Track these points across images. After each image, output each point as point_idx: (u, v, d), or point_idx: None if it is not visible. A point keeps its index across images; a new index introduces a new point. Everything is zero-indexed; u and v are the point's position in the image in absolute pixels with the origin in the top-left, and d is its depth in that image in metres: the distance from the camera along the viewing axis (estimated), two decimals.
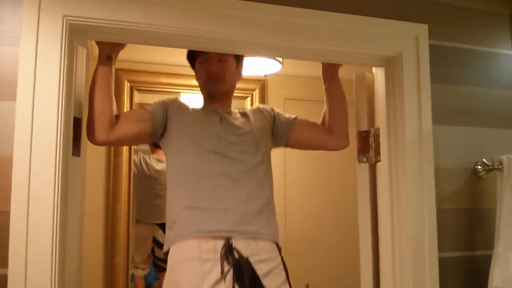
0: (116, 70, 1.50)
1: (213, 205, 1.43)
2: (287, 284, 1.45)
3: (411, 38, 1.48)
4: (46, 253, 1.10)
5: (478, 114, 1.57)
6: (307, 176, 3.07)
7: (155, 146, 2.64)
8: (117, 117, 1.45)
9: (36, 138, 1.12)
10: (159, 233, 2.79)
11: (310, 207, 3.05)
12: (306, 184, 3.07)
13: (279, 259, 1.47)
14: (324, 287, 2.84)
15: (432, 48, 1.50)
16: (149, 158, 2.87)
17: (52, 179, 1.12)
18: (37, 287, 1.08)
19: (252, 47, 1.42)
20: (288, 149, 1.76)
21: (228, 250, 1.36)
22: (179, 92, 2.84)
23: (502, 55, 1.63)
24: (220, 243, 1.37)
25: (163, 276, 1.48)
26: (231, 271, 1.34)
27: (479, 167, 1.54)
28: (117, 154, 2.66)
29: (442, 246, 1.44)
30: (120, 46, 1.44)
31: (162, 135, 1.55)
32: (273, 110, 1.70)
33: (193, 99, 2.68)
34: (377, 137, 1.56)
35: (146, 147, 2.87)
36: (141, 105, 2.81)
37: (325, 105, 1.68)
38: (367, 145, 1.59)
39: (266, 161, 1.58)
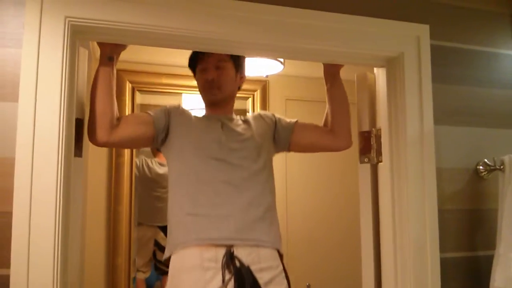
0: (118, 71, 1.51)
1: (215, 212, 1.43)
2: None
3: (412, 39, 1.49)
4: (48, 253, 1.10)
5: (480, 114, 1.57)
6: (308, 177, 3.07)
7: (158, 150, 2.64)
8: (119, 119, 1.45)
9: (38, 139, 1.12)
10: (160, 236, 2.79)
11: (312, 208, 3.05)
12: (308, 185, 3.07)
13: (281, 267, 1.47)
14: (325, 287, 2.84)
15: (433, 49, 1.50)
16: (151, 162, 2.88)
17: (54, 180, 1.12)
18: (39, 287, 1.08)
19: (253, 47, 1.42)
20: None
21: (230, 258, 1.36)
22: (181, 93, 2.85)
23: (503, 55, 1.63)
24: (222, 251, 1.37)
25: (165, 279, 1.48)
26: (233, 280, 1.34)
27: (481, 167, 1.54)
28: (119, 155, 2.66)
29: (443, 246, 1.44)
30: (121, 47, 1.44)
31: (164, 141, 1.55)
32: (274, 115, 1.70)
33: (195, 99, 2.69)
34: (378, 137, 1.56)
35: (148, 150, 2.87)
36: (143, 106, 2.82)
37: (327, 106, 1.68)
38: (369, 146, 1.59)
39: (268, 167, 1.58)
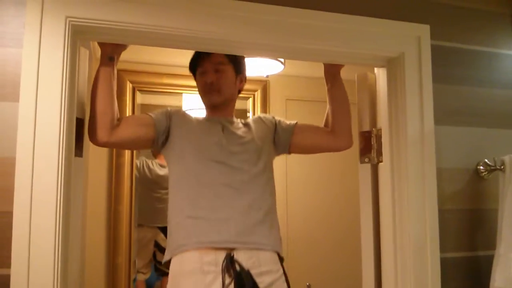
0: (118, 71, 1.51)
1: (215, 215, 1.43)
2: None
3: (413, 39, 1.49)
4: (49, 253, 1.10)
5: (480, 114, 1.57)
6: (308, 177, 3.07)
7: (158, 152, 2.64)
8: (120, 120, 1.46)
9: (39, 139, 1.12)
10: (160, 237, 2.79)
11: (312, 207, 3.05)
12: (308, 185, 3.07)
13: (281, 271, 1.47)
14: (325, 287, 2.84)
15: (434, 49, 1.50)
16: (152, 163, 2.88)
17: (54, 180, 1.12)
18: (40, 287, 1.08)
19: (254, 47, 1.42)
20: None
21: (230, 262, 1.37)
22: (181, 93, 2.85)
23: (503, 55, 1.63)
24: (222, 255, 1.38)
25: (165, 280, 1.48)
26: (233, 284, 1.34)
27: (481, 167, 1.54)
28: (119, 155, 2.66)
29: (444, 246, 1.44)
30: (122, 47, 1.45)
31: (164, 143, 1.55)
32: (274, 118, 1.70)
33: (195, 99, 2.69)
34: (379, 137, 1.56)
35: (148, 151, 2.87)
36: (143, 106, 2.82)
37: (328, 106, 1.68)
38: (369, 146, 1.60)
39: (268, 170, 1.59)
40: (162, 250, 2.73)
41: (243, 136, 1.58)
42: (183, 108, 2.88)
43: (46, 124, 1.13)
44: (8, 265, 1.08)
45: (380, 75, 1.58)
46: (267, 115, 1.73)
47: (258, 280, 1.38)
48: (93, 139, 1.39)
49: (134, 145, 1.63)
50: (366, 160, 1.60)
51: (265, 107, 2.99)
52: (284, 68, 2.46)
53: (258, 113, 2.95)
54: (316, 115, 1.74)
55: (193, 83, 1.69)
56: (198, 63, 1.61)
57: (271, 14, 1.34)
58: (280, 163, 1.72)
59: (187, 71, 1.69)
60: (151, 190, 2.85)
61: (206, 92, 1.60)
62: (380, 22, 1.45)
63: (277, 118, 1.71)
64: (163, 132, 1.53)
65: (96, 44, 1.59)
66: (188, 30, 1.28)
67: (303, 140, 1.67)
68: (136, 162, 2.77)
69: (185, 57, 1.67)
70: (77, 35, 1.22)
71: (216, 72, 1.58)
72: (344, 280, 2.79)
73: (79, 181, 1.29)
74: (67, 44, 1.17)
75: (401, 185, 1.45)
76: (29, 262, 1.08)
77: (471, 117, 1.56)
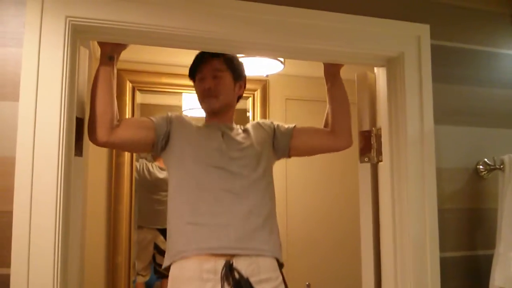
0: (118, 70, 1.51)
1: (214, 220, 1.44)
2: None
3: (412, 38, 1.49)
4: (49, 252, 1.10)
5: (480, 114, 1.58)
6: (308, 176, 3.07)
7: (158, 156, 2.64)
8: (121, 121, 1.46)
9: (39, 138, 1.12)
10: (160, 239, 2.79)
11: (312, 207, 3.06)
12: (308, 184, 3.07)
13: (280, 278, 1.48)
14: (325, 287, 2.84)
15: (433, 48, 1.50)
16: (152, 166, 2.88)
17: (54, 179, 1.12)
18: (40, 287, 1.09)
19: (254, 47, 1.42)
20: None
21: (229, 270, 1.37)
22: (181, 92, 2.85)
23: (503, 55, 1.63)
24: (221, 263, 1.38)
25: (165, 282, 1.48)
26: None
27: (481, 166, 1.54)
28: (119, 154, 2.66)
29: (443, 245, 1.44)
30: (122, 46, 1.45)
31: (163, 148, 1.55)
32: (272, 123, 1.71)
33: (195, 99, 2.68)
34: (379, 137, 1.56)
35: (148, 154, 2.87)
36: (143, 106, 2.82)
37: (327, 106, 1.68)
38: (369, 145, 1.60)
39: (268, 175, 1.59)
40: (161, 252, 2.74)
41: (242, 142, 1.58)
42: (183, 108, 2.88)
43: (46, 124, 1.13)
44: (8, 264, 1.08)
45: (380, 74, 1.58)
46: (266, 120, 1.74)
47: (257, 287, 1.38)
48: (93, 138, 1.39)
49: (134, 147, 1.63)
50: (366, 159, 1.60)
51: (264, 106, 2.99)
52: (284, 68, 2.46)
53: (258, 112, 2.95)
54: (316, 114, 1.74)
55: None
56: (197, 70, 1.63)
57: (271, 14, 1.34)
58: (279, 162, 1.72)
59: (187, 71, 1.70)
60: (151, 192, 2.85)
61: (204, 98, 1.62)
62: (380, 21, 1.45)
63: (276, 122, 1.71)
64: (163, 136, 1.54)
65: (96, 43, 1.59)
66: (188, 29, 1.28)
67: (302, 142, 1.67)
68: (136, 164, 2.76)
69: (185, 56, 1.67)
70: (77, 34, 1.22)
71: (214, 78, 1.59)
72: (344, 279, 2.79)
73: (79, 180, 1.29)
74: (67, 43, 1.17)
75: (401, 184, 1.45)
76: (29, 261, 1.08)
77: (471, 117, 1.56)
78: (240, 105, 1.79)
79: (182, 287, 1.39)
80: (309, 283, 2.52)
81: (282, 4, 1.35)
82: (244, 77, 1.71)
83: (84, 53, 1.35)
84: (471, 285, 1.50)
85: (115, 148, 2.54)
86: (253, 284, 1.38)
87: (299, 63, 2.34)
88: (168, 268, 1.47)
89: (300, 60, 1.67)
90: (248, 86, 1.78)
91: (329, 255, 3.03)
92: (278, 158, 1.69)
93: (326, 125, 1.69)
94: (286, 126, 1.69)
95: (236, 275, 1.37)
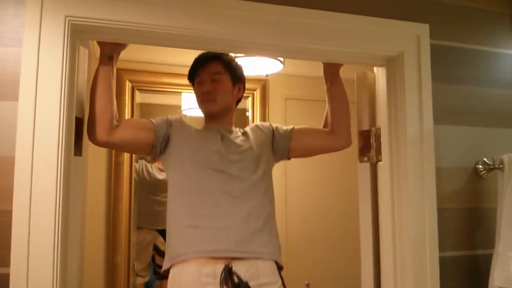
0: (118, 70, 1.51)
1: (214, 223, 1.44)
2: None
3: (412, 38, 1.49)
4: (48, 252, 1.10)
5: (479, 114, 1.58)
6: (308, 176, 3.07)
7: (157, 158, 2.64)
8: (120, 121, 1.46)
9: (38, 138, 1.12)
10: (159, 240, 2.78)
11: (311, 207, 3.05)
12: (307, 184, 3.07)
13: (280, 282, 1.48)
14: (325, 286, 2.84)
15: (433, 48, 1.50)
16: (151, 167, 2.87)
17: (54, 179, 1.12)
18: (39, 286, 1.09)
19: (254, 47, 1.42)
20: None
21: (228, 274, 1.37)
22: (181, 92, 2.85)
23: (503, 54, 1.63)
24: (220, 267, 1.38)
25: (164, 283, 1.48)
26: None
27: (480, 166, 1.54)
28: (118, 154, 2.66)
29: (443, 245, 1.44)
30: (121, 46, 1.45)
31: (163, 150, 1.56)
32: (271, 125, 1.71)
33: (194, 99, 2.68)
34: (378, 136, 1.56)
35: None
36: (142, 105, 2.81)
37: (327, 105, 1.68)
38: (368, 145, 1.60)
39: (267, 177, 1.59)
40: (161, 253, 2.73)
41: (241, 144, 1.59)
42: (183, 107, 2.88)
43: (45, 123, 1.13)
44: (7, 264, 1.08)
45: (380, 74, 1.58)
46: (264, 123, 1.74)
47: None
48: (92, 138, 1.39)
49: (133, 148, 1.62)
50: (365, 159, 1.60)
51: (264, 106, 2.99)
52: (283, 67, 2.46)
53: (257, 112, 2.95)
54: (315, 114, 1.74)
55: None
56: (196, 73, 1.64)
57: (271, 14, 1.34)
58: (279, 163, 1.72)
59: (186, 71, 1.70)
60: (150, 193, 2.84)
61: (203, 101, 1.62)
62: (380, 21, 1.45)
63: (274, 124, 1.71)
64: (163, 138, 1.54)
65: (95, 43, 1.59)
66: (188, 29, 1.28)
67: (301, 144, 1.67)
68: (135, 165, 2.76)
69: (184, 56, 1.67)
70: (77, 34, 1.22)
71: (213, 81, 1.60)
72: (343, 279, 2.79)
73: (79, 180, 1.29)
74: (66, 43, 1.17)
75: (400, 184, 1.45)
76: (28, 261, 1.08)
77: (470, 116, 1.56)
78: (239, 104, 1.79)
79: None
80: (308, 283, 2.52)
81: (282, 4, 1.35)
82: (243, 79, 1.71)
83: (83, 52, 1.35)
84: (471, 285, 1.50)
85: (115, 149, 2.53)
86: None
87: (298, 62, 2.34)
88: (167, 271, 1.47)
89: (300, 60, 1.67)
90: (247, 85, 1.78)
91: (328, 254, 3.03)
92: (278, 161, 1.70)
93: (325, 125, 1.70)
94: (285, 128, 1.69)
95: (235, 279, 1.37)
